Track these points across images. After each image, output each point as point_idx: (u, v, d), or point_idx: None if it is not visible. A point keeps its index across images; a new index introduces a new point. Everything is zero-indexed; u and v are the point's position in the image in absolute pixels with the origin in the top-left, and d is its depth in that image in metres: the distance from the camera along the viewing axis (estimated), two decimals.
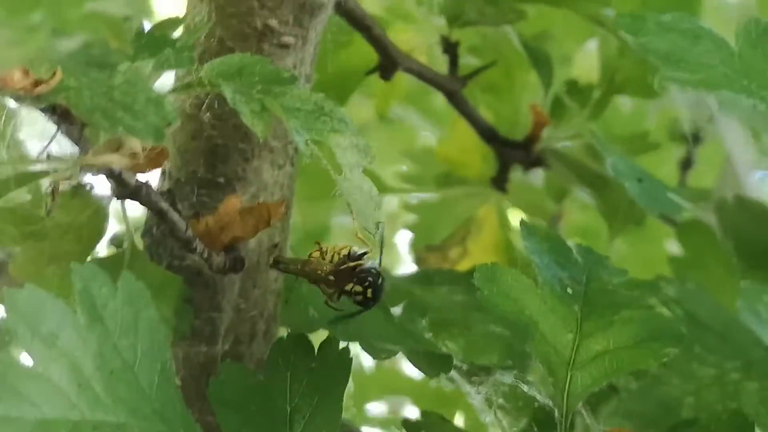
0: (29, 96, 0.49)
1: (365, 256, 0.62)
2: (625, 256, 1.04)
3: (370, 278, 0.62)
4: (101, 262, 0.63)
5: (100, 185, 0.61)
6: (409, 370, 1.02)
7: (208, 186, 0.67)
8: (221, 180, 0.67)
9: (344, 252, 0.63)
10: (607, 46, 0.90)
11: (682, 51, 0.53)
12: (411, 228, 0.99)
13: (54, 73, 0.50)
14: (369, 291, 0.62)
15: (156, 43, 0.55)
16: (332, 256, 0.63)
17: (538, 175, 1.03)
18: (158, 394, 0.55)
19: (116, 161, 0.54)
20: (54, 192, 0.57)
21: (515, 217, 0.99)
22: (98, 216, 0.62)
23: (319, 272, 0.62)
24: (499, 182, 0.93)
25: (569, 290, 0.65)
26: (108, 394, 0.54)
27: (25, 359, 0.52)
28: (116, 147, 0.54)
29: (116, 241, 0.70)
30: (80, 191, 0.60)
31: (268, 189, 0.68)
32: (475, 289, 0.77)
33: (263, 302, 0.70)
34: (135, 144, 0.54)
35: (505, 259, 0.95)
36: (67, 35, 0.41)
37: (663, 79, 0.51)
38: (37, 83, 0.50)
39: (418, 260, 0.95)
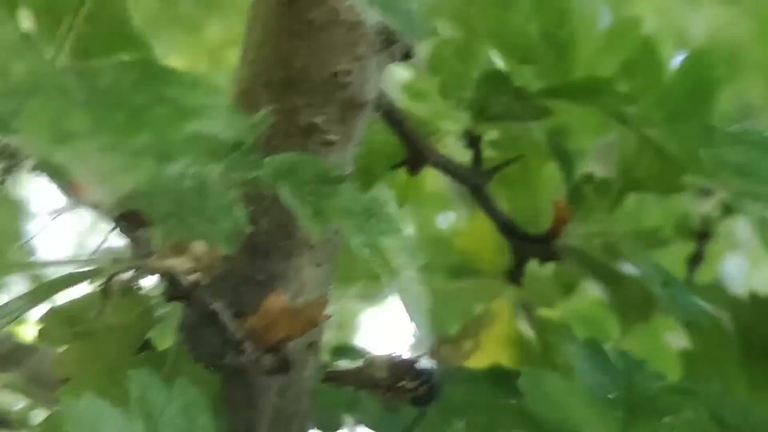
0: (105, 203, 0.49)
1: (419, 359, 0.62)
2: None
3: (425, 375, 0.62)
4: (148, 361, 0.62)
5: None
6: None
7: (248, 283, 0.66)
8: (261, 277, 0.66)
9: (396, 356, 0.62)
10: (626, 142, 0.91)
11: (755, 162, 0.53)
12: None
13: None
14: (424, 387, 0.62)
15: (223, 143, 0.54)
16: (385, 363, 0.62)
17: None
18: None
19: (181, 266, 0.53)
20: (107, 293, 0.56)
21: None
22: (146, 316, 0.61)
23: (375, 378, 0.62)
24: (515, 276, 0.93)
25: (611, 396, 0.65)
26: None
27: None
28: (180, 251, 0.53)
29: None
30: (131, 291, 0.59)
31: (307, 287, 0.67)
32: (497, 382, 0.77)
33: (298, 401, 0.69)
34: (199, 249, 0.53)
35: (517, 353, 0.95)
36: (172, 159, 0.40)
37: (737, 194, 0.52)
38: None
39: (432, 353, 0.94)
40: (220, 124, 0.41)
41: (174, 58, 1.80)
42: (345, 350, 0.81)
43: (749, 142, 0.54)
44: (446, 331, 0.95)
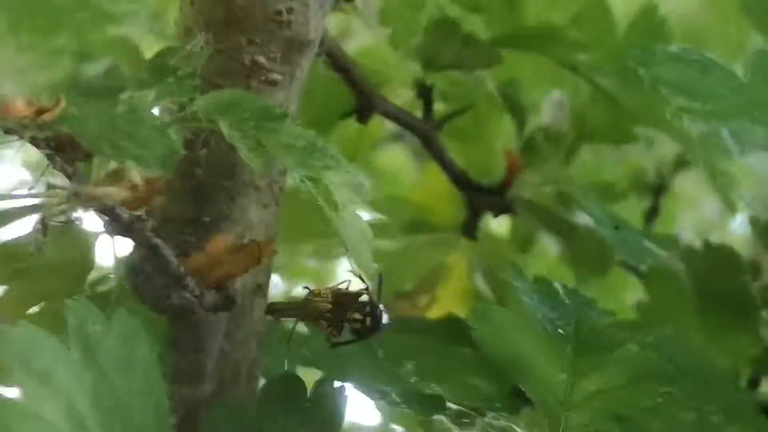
0: (32, 125, 0.48)
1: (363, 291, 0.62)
2: None
3: (368, 307, 0.62)
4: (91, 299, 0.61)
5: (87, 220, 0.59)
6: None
7: (194, 225, 0.66)
8: (207, 219, 0.66)
9: (341, 288, 0.62)
10: (578, 93, 0.91)
11: (692, 81, 0.53)
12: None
13: (57, 102, 0.49)
14: (368, 319, 0.61)
15: (158, 72, 0.54)
16: (329, 295, 0.62)
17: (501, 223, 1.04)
18: None
19: (117, 193, 0.52)
20: (45, 228, 0.56)
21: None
22: (87, 253, 0.60)
23: (320, 309, 0.61)
24: (470, 229, 0.93)
25: (560, 330, 0.65)
26: None
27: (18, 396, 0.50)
28: (116, 179, 0.53)
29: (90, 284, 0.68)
30: (69, 227, 0.58)
31: (254, 228, 0.67)
32: (450, 332, 0.77)
33: (247, 345, 0.69)
34: (135, 176, 0.53)
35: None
36: (90, 60, 0.40)
37: (675, 111, 0.51)
38: (40, 112, 0.49)
39: (387, 306, 0.93)
40: (142, 28, 0.41)
41: None
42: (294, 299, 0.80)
43: (688, 61, 0.54)
44: (402, 286, 0.94)
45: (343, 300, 0.61)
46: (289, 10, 0.65)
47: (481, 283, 0.98)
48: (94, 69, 0.37)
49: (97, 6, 0.40)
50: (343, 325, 0.61)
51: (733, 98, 0.52)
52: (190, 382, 0.66)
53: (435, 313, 0.93)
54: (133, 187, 0.52)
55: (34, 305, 0.61)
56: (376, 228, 0.97)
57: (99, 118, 0.49)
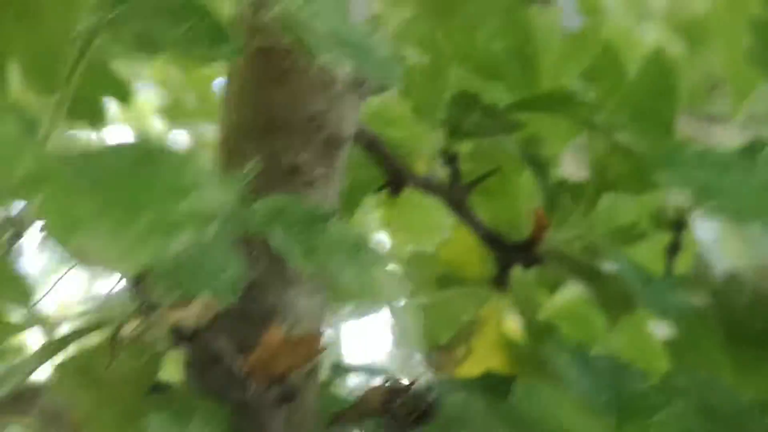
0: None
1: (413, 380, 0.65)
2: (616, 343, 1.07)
3: (419, 397, 0.64)
4: (159, 401, 0.65)
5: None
6: None
7: (246, 319, 0.69)
8: (259, 312, 0.69)
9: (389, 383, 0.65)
10: (596, 145, 0.94)
11: (715, 181, 0.56)
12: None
13: None
14: (420, 409, 0.64)
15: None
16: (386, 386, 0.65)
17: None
18: None
19: (190, 317, 0.56)
20: (116, 341, 0.59)
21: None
22: (154, 361, 0.64)
23: (372, 408, 0.65)
24: (500, 282, 0.96)
25: (601, 400, 0.69)
26: None
27: None
28: (185, 303, 0.56)
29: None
30: (138, 339, 0.62)
31: (303, 318, 0.71)
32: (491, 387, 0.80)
33: (304, 425, 0.72)
34: (203, 300, 0.56)
35: (508, 356, 0.98)
36: (175, 235, 0.43)
37: (706, 212, 0.55)
38: None
39: (426, 362, 0.97)
40: (214, 195, 0.44)
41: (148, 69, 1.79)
42: (341, 368, 0.84)
43: (710, 162, 0.57)
44: (438, 341, 0.98)
45: (394, 395, 0.64)
46: (323, 113, 0.68)
47: (514, 331, 1.01)
48: (180, 245, 0.41)
49: (171, 179, 0.44)
50: (399, 418, 0.64)
51: (753, 197, 0.56)
52: None
53: (471, 364, 0.96)
54: (204, 309, 0.56)
55: (108, 410, 0.64)
56: (410, 284, 1.01)
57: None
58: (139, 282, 0.56)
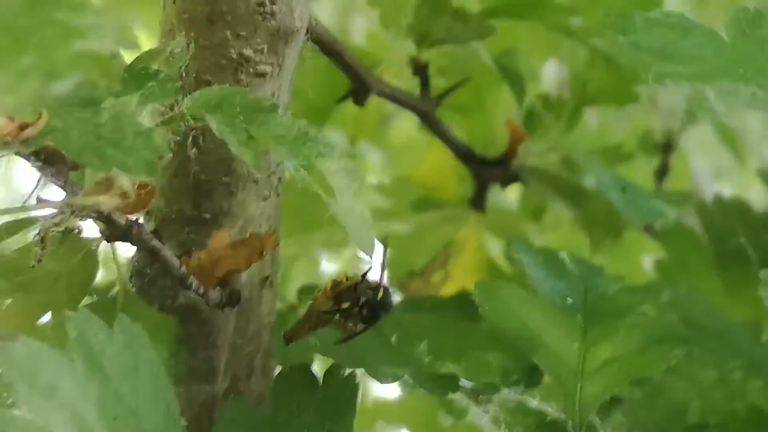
0: (16, 141, 0.48)
1: (368, 274, 0.62)
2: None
3: (364, 296, 0.61)
4: (94, 308, 0.61)
5: (88, 228, 0.59)
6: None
7: (195, 223, 0.66)
8: (207, 216, 0.66)
9: (342, 279, 0.62)
10: (575, 58, 0.90)
11: (673, 45, 0.52)
12: (391, 256, 0.97)
13: (39, 116, 0.48)
14: (365, 309, 0.61)
15: (139, 77, 0.54)
16: (332, 288, 0.62)
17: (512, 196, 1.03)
18: None
19: (108, 201, 0.52)
20: (44, 239, 0.56)
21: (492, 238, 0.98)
22: (89, 261, 0.60)
23: (324, 310, 0.61)
24: (478, 202, 0.92)
25: (569, 300, 0.65)
26: None
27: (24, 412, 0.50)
28: (106, 187, 0.52)
29: (97, 290, 0.68)
30: (69, 236, 0.58)
31: (255, 221, 0.67)
32: (463, 308, 0.76)
33: (258, 337, 0.69)
34: (125, 183, 0.53)
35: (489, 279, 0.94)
36: (59, 77, 0.40)
37: (657, 75, 0.51)
38: (23, 127, 0.48)
39: (401, 287, 0.93)
40: (110, 42, 0.40)
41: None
42: (309, 289, 0.80)
43: (667, 25, 0.53)
44: (415, 266, 0.94)
45: (343, 293, 0.61)
46: (272, 1, 0.64)
47: (496, 256, 0.98)
48: (62, 86, 0.37)
49: (61, 23, 0.40)
50: (346, 318, 0.61)
51: (716, 59, 0.51)
52: (204, 380, 0.66)
53: (449, 289, 0.93)
54: (124, 194, 0.52)
55: (40, 316, 0.61)
56: (385, 211, 0.97)
57: (82, 128, 0.49)
58: (54, 166, 0.52)
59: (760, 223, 0.89)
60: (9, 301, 0.60)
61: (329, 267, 1.00)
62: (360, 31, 1.13)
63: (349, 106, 0.82)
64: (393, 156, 1.15)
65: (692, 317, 0.76)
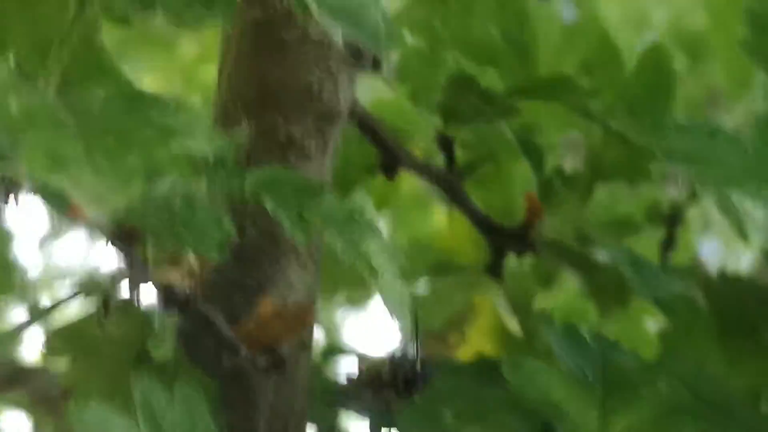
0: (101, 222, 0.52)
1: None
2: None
3: (403, 370, 0.65)
4: (149, 371, 0.65)
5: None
6: None
7: (239, 289, 0.70)
8: (251, 283, 0.70)
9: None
10: (592, 135, 0.94)
11: (702, 151, 0.57)
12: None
13: None
14: (404, 381, 0.65)
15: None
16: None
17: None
18: None
19: (177, 279, 0.56)
20: (107, 307, 0.60)
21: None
22: (144, 327, 0.64)
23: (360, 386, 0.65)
24: (495, 269, 0.96)
25: (588, 374, 0.69)
26: None
27: None
28: (174, 263, 0.57)
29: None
30: (129, 305, 0.63)
31: (295, 289, 0.71)
32: (483, 373, 0.81)
33: (293, 399, 0.73)
34: (192, 261, 0.57)
35: (501, 344, 0.98)
36: (160, 177, 0.44)
37: (695, 181, 0.55)
38: None
39: (419, 349, 0.97)
40: (202, 142, 0.45)
41: (148, 77, 1.82)
42: (334, 350, 0.84)
43: (697, 132, 0.58)
44: (432, 327, 0.98)
45: (379, 370, 0.65)
46: (320, 86, 0.69)
47: (508, 319, 1.02)
48: (163, 186, 0.42)
49: (160, 123, 0.44)
50: (384, 391, 0.65)
51: (740, 164, 0.56)
52: None
53: (464, 351, 0.97)
54: (191, 271, 0.57)
55: (97, 378, 0.65)
56: (407, 273, 1.01)
57: (159, 209, 0.53)
58: (128, 244, 0.57)
59: (764, 297, 0.94)
60: (70, 365, 0.65)
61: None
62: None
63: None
64: (400, 214, 1.19)
65: (700, 392, 0.80)
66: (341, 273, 0.90)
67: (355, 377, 0.66)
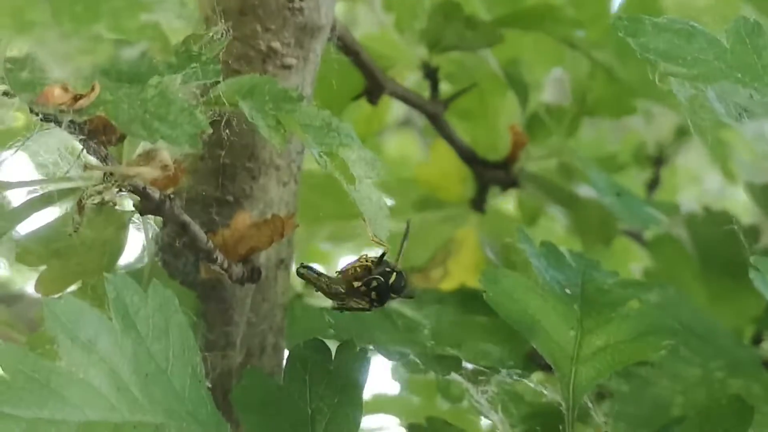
0: (70, 110, 0.52)
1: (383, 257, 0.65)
2: None
3: (375, 282, 0.64)
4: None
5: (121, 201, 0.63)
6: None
7: (219, 204, 0.70)
8: (230, 198, 0.70)
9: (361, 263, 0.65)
10: (577, 70, 0.94)
11: (678, 48, 0.57)
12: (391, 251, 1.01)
13: (92, 88, 0.52)
14: (373, 293, 0.64)
15: (182, 58, 0.57)
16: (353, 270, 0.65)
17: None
18: (191, 395, 0.58)
19: (149, 172, 0.56)
20: (81, 209, 0.59)
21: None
22: (121, 231, 0.64)
23: (336, 288, 0.64)
24: (478, 203, 0.96)
25: (567, 291, 0.69)
26: (145, 397, 0.56)
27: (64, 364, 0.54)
28: (147, 160, 0.56)
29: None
30: (105, 207, 0.62)
31: (274, 205, 0.71)
32: (462, 302, 0.80)
33: (272, 316, 0.73)
34: (165, 156, 0.57)
35: None
36: (127, 45, 0.44)
37: (663, 75, 0.55)
38: (76, 98, 0.52)
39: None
40: (171, 15, 0.44)
41: None
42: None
43: (674, 30, 0.57)
44: (416, 262, 0.98)
45: (355, 277, 0.64)
46: None
47: (490, 255, 1.02)
48: (129, 54, 0.41)
49: None
50: (357, 297, 0.64)
51: (716, 62, 0.56)
52: (221, 353, 0.70)
53: (447, 285, 0.96)
54: (164, 167, 0.56)
55: (73, 282, 0.65)
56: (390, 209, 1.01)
57: (131, 102, 0.53)
58: (101, 139, 0.56)
59: (747, 235, 0.94)
60: (44, 267, 0.64)
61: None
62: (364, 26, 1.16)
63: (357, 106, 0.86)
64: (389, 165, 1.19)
65: (679, 316, 0.80)
66: (323, 205, 0.90)
67: (317, 279, 0.65)
